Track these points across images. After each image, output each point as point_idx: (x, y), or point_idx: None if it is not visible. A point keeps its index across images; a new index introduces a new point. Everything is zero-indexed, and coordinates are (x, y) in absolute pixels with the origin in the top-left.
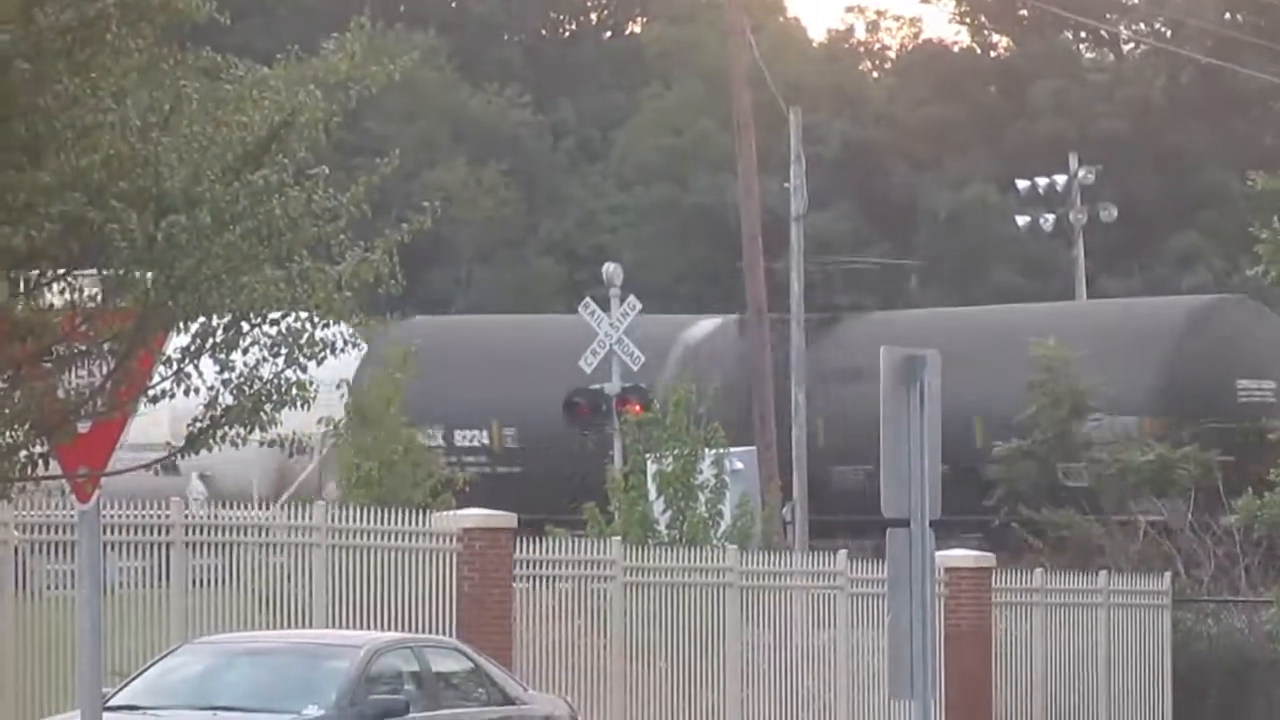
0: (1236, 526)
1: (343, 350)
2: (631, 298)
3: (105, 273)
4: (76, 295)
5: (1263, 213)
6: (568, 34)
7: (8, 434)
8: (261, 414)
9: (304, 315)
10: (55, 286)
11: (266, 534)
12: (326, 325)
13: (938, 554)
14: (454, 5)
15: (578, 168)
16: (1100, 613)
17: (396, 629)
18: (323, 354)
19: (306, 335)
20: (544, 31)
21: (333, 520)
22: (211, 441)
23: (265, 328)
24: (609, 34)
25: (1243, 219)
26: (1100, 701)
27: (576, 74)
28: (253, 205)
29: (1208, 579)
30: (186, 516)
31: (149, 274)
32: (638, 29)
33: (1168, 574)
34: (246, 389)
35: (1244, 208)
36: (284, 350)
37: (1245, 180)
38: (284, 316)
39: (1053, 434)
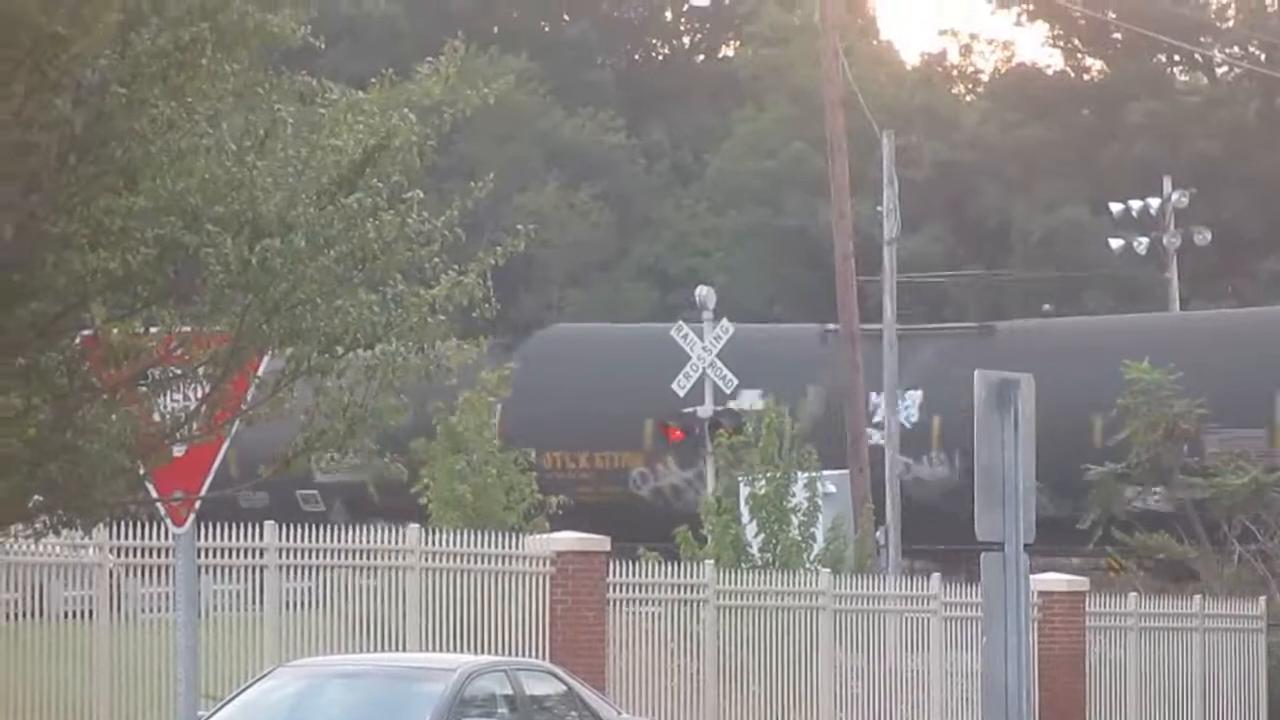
0: None
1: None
2: (724, 321)
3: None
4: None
5: None
6: (661, 57)
7: (105, 458)
8: (355, 440)
9: (397, 341)
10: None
11: (360, 557)
12: (420, 350)
13: (1031, 577)
14: (546, 29)
15: (670, 191)
16: (1195, 637)
17: (490, 652)
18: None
19: (401, 359)
20: (637, 55)
21: (426, 543)
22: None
23: (360, 352)
24: (702, 57)
25: None
26: None
27: (669, 97)
28: (347, 229)
29: None
30: (280, 540)
31: (244, 298)
32: (730, 52)
33: (1262, 598)
34: (342, 413)
35: None
36: (378, 375)
37: None
38: (377, 343)
39: (1147, 457)
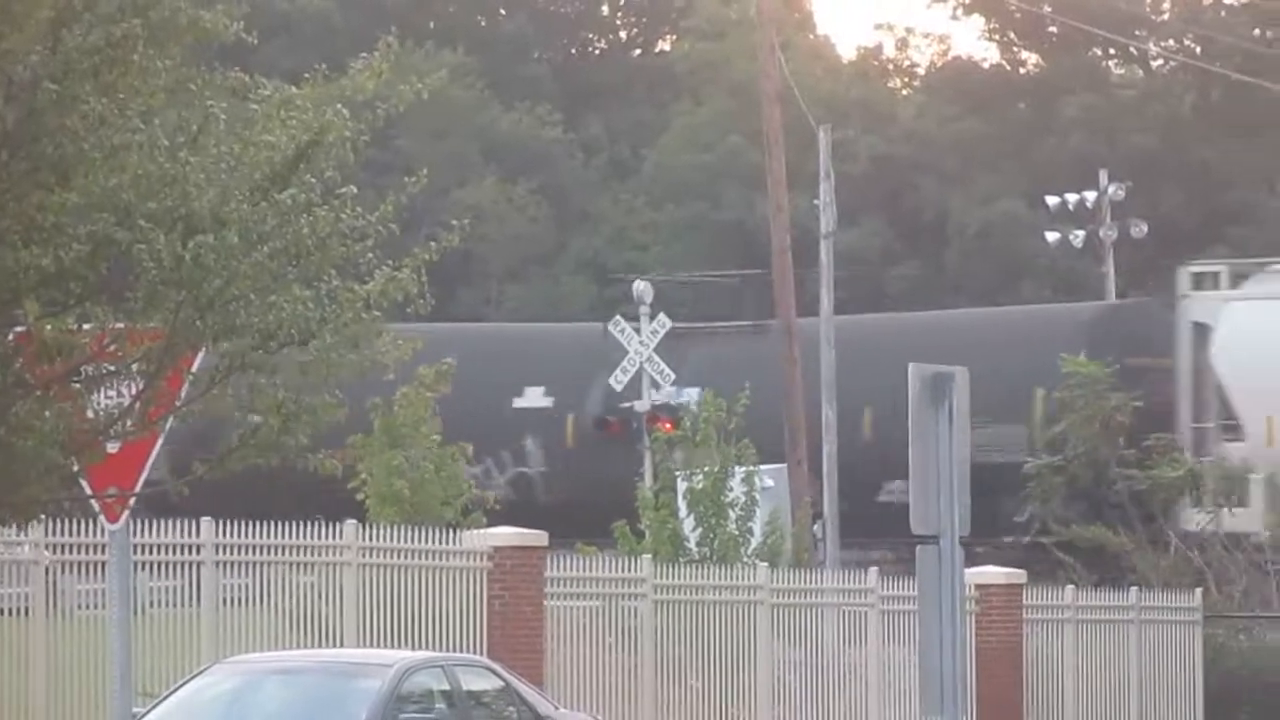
0: (1269, 540)
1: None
2: (662, 315)
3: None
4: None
5: None
6: (597, 51)
7: (39, 455)
8: (290, 436)
9: (331, 337)
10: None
11: (297, 553)
12: (355, 346)
13: (968, 571)
14: (483, 24)
15: (608, 185)
16: (1131, 629)
17: (427, 648)
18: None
19: (336, 356)
20: (573, 49)
21: (363, 539)
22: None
23: (295, 348)
24: (639, 51)
25: (1272, 235)
26: (1131, 717)
27: (606, 91)
28: (280, 225)
29: (1239, 594)
30: (217, 535)
31: (177, 294)
32: (667, 46)
33: (1199, 590)
34: (276, 410)
35: (1274, 223)
36: (313, 371)
37: (1275, 196)
38: (312, 339)
39: (1084, 450)
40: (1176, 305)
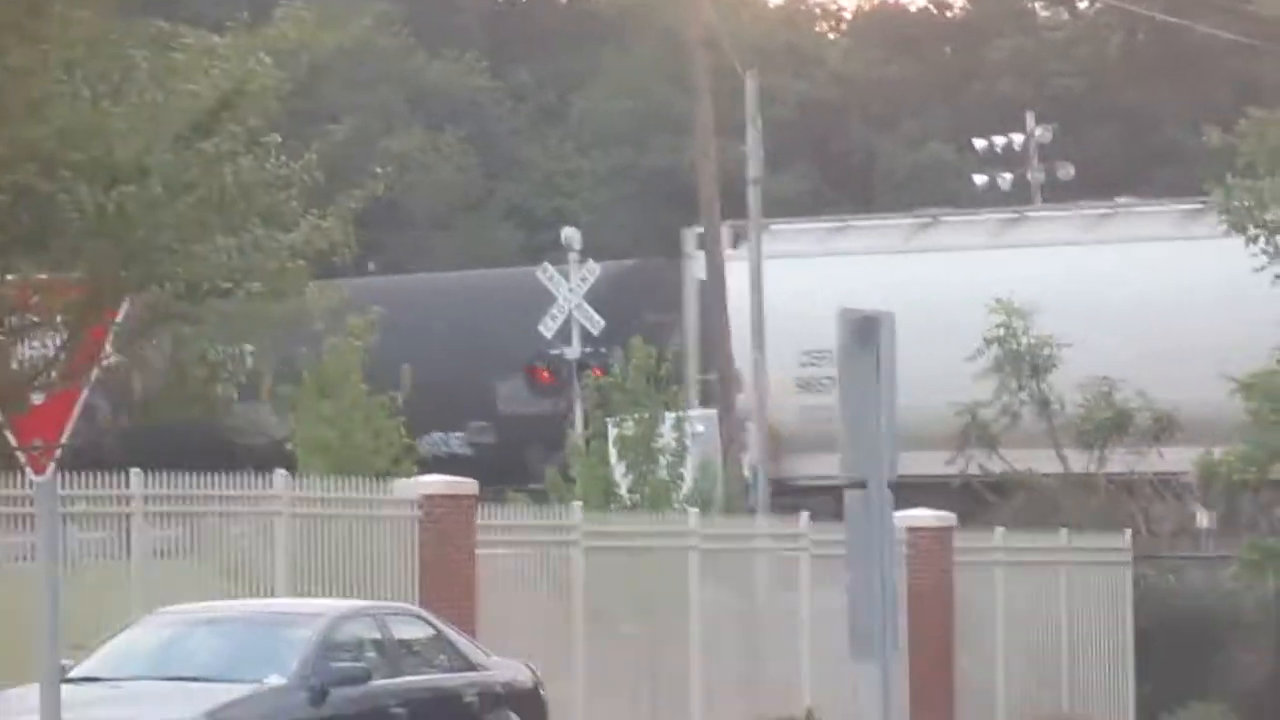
0: (1196, 481)
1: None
2: (590, 261)
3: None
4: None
5: (1216, 169)
6: None
7: None
8: (213, 391)
9: (256, 288)
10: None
11: (228, 504)
12: (279, 296)
13: (899, 514)
14: None
15: (536, 132)
16: (1061, 570)
17: (359, 597)
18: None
19: (260, 306)
20: None
21: (294, 489)
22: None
23: (220, 300)
24: None
25: (1199, 176)
26: (1062, 658)
27: (534, 38)
28: (204, 174)
29: (1168, 534)
30: (147, 487)
31: (100, 244)
32: None
33: (1128, 531)
34: (202, 361)
35: (1200, 163)
36: (238, 322)
37: (1201, 137)
38: (237, 289)
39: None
40: (682, 264)
